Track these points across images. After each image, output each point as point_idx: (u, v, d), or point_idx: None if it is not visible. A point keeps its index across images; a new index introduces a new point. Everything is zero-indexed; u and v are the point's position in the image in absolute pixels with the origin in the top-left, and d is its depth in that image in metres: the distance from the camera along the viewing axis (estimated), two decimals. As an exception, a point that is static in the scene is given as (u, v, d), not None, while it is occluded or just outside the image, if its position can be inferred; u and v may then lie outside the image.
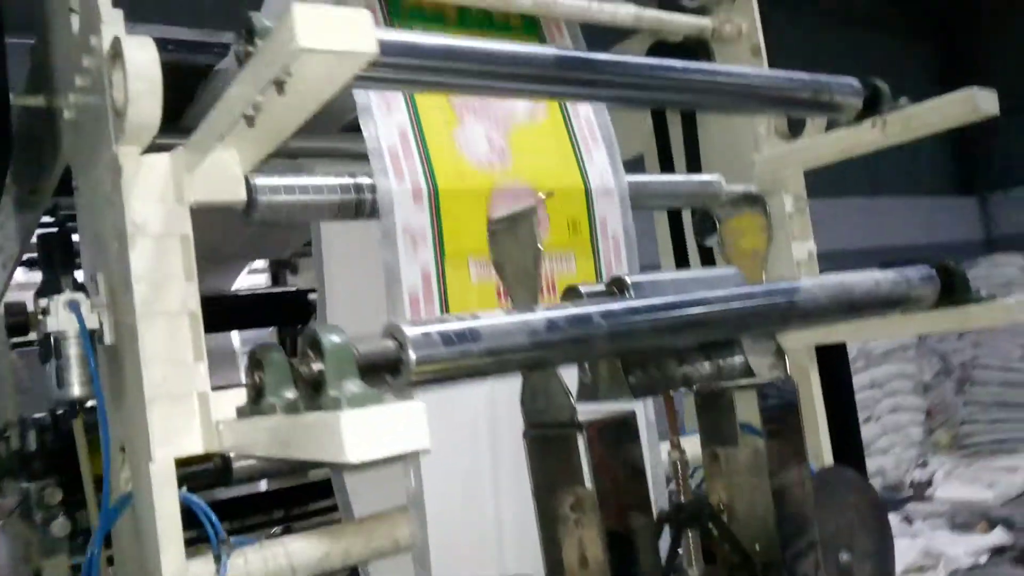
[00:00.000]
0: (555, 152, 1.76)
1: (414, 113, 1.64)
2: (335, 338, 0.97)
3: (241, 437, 1.22)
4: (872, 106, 1.83)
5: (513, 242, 1.31)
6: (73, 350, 1.41)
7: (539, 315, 1.13)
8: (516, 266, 1.30)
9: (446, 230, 1.56)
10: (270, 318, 4.33)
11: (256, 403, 1.16)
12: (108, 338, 1.40)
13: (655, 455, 1.78)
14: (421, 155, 1.60)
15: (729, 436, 1.60)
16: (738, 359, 1.46)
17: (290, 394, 1.13)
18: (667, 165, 2.38)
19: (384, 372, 1.03)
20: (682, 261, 2.35)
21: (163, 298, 1.30)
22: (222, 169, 1.34)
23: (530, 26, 1.89)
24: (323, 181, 1.53)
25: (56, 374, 1.45)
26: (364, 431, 0.87)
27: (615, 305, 1.21)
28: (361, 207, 1.56)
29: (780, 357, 1.54)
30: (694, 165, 2.31)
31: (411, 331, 1.03)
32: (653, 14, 2.08)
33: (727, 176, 2.14)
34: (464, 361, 1.06)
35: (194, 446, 1.30)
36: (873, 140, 1.83)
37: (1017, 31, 13.74)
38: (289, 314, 4.28)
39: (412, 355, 1.02)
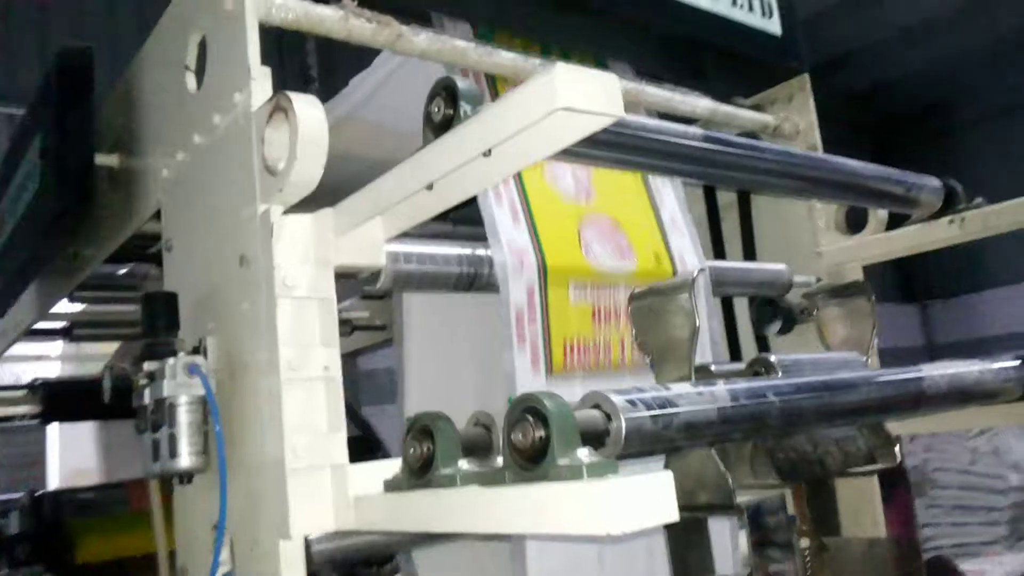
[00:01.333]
0: (632, 193, 1.81)
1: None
2: (558, 405, 0.93)
3: (392, 512, 1.15)
4: (948, 204, 1.90)
5: (659, 315, 1.29)
6: (185, 417, 1.33)
7: (721, 388, 1.11)
8: (664, 339, 1.29)
9: (547, 252, 1.59)
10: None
11: (420, 475, 1.10)
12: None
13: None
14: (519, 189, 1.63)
15: (834, 525, 1.57)
16: (861, 444, 1.45)
17: (465, 464, 1.08)
18: (718, 252, 2.41)
19: (588, 443, 0.99)
20: (734, 350, 2.36)
21: (305, 363, 1.24)
22: (366, 232, 1.30)
23: None
24: (444, 250, 1.51)
25: (162, 444, 1.36)
26: (619, 502, 0.83)
27: (783, 382, 1.20)
28: (478, 279, 1.54)
29: (891, 443, 1.54)
30: (749, 254, 2.35)
31: (618, 399, 1.00)
32: (726, 109, 2.15)
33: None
34: (665, 433, 1.02)
35: (326, 523, 1.22)
36: (950, 236, 1.90)
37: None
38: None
39: (622, 425, 0.98)
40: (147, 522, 3.22)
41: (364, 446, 4.05)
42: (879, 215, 2.13)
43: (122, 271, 3.10)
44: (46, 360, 4.77)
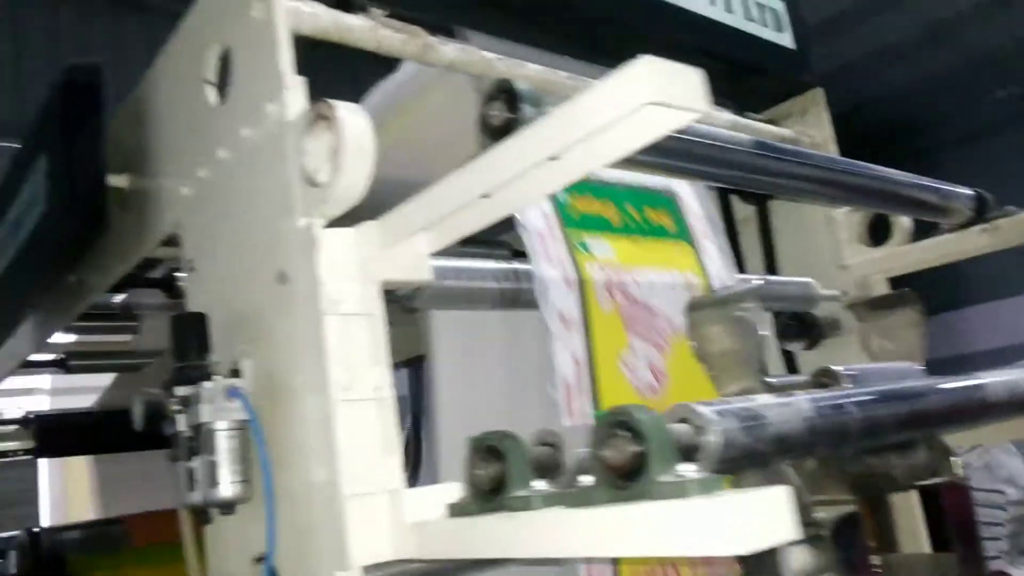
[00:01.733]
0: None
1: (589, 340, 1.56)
2: (653, 418, 0.87)
3: (461, 538, 1.08)
4: (979, 213, 1.88)
5: (721, 325, 1.24)
6: (225, 443, 1.25)
7: (802, 399, 1.06)
8: (726, 349, 1.23)
9: None
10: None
11: (490, 499, 1.04)
12: (258, 431, 1.26)
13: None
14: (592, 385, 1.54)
15: (892, 541, 1.52)
16: (923, 456, 1.41)
17: (541, 484, 1.02)
18: (739, 267, 2.38)
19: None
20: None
21: (355, 384, 1.18)
22: (411, 246, 1.24)
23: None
24: (483, 265, 1.46)
25: (200, 472, 1.28)
26: (735, 520, 0.77)
27: (860, 392, 1.15)
28: (519, 295, 1.48)
29: (948, 455, 1.49)
30: (771, 268, 2.32)
31: (707, 411, 0.94)
32: (745, 122, 2.12)
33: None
34: (756, 446, 0.97)
35: (384, 551, 1.15)
36: (983, 245, 1.87)
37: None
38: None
39: (719, 439, 0.93)
40: (151, 557, 3.11)
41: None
42: (904, 226, 2.10)
43: (117, 299, 3.01)
44: (37, 393, 4.63)
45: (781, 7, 2.29)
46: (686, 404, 0.96)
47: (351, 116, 1.16)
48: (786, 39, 2.27)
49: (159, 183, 1.69)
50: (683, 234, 1.81)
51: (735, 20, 2.20)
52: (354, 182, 1.17)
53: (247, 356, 1.34)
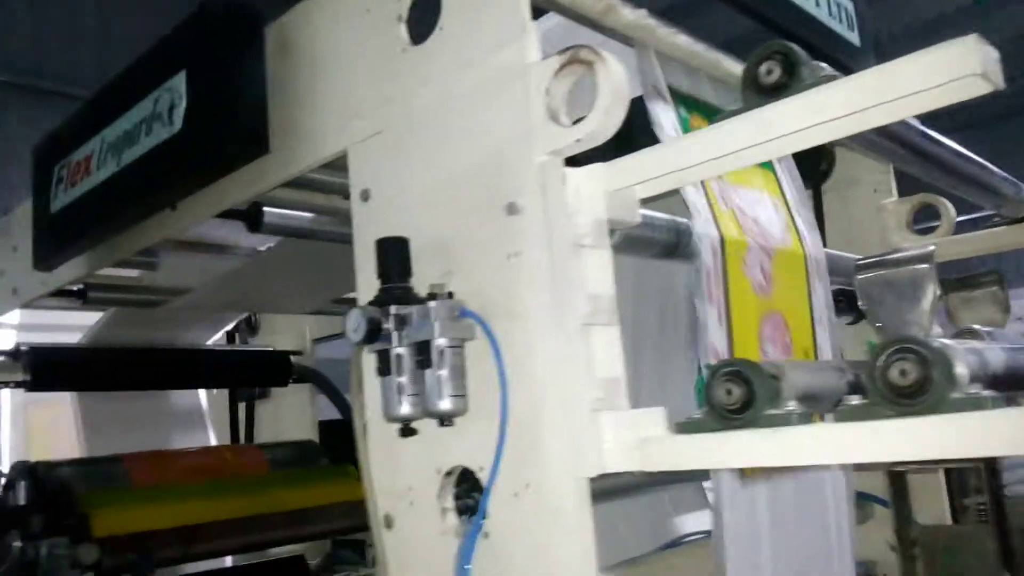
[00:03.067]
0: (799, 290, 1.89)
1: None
2: (942, 343, 1.02)
3: (700, 451, 1.20)
4: (1035, 209, 2.11)
5: (894, 286, 1.40)
6: (450, 359, 1.33)
7: (991, 345, 1.23)
8: (899, 308, 1.39)
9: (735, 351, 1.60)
10: (253, 377, 4.07)
11: (731, 417, 1.17)
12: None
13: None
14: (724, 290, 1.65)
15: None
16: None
17: (792, 405, 1.16)
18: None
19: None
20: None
21: (584, 310, 1.27)
22: (630, 190, 1.35)
23: None
24: (651, 213, 1.57)
25: (428, 385, 1.35)
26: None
27: (1016, 348, 1.32)
28: (679, 246, 1.61)
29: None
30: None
31: (947, 343, 1.09)
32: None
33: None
34: (984, 378, 1.12)
35: (612, 464, 1.25)
36: (1025, 240, 2.11)
37: None
38: (270, 375, 4.05)
39: (963, 370, 1.08)
40: (162, 495, 3.09)
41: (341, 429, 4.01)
42: (951, 215, 2.33)
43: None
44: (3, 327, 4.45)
45: (851, 7, 2.47)
46: (916, 337, 1.11)
47: (614, 64, 1.26)
48: (854, 37, 2.45)
49: (316, 115, 1.72)
50: (767, 165, 1.96)
51: (809, 6, 2.36)
52: (608, 125, 1.26)
53: (447, 280, 1.41)
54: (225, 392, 4.20)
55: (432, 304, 1.34)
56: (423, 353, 1.33)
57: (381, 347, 1.39)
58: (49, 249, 2.38)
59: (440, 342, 1.33)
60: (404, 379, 1.37)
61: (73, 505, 2.85)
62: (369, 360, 1.48)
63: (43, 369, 3.37)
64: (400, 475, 1.49)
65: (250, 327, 4.51)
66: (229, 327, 4.14)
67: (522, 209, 1.33)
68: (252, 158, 1.73)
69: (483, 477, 1.35)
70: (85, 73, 9.03)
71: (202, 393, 4.17)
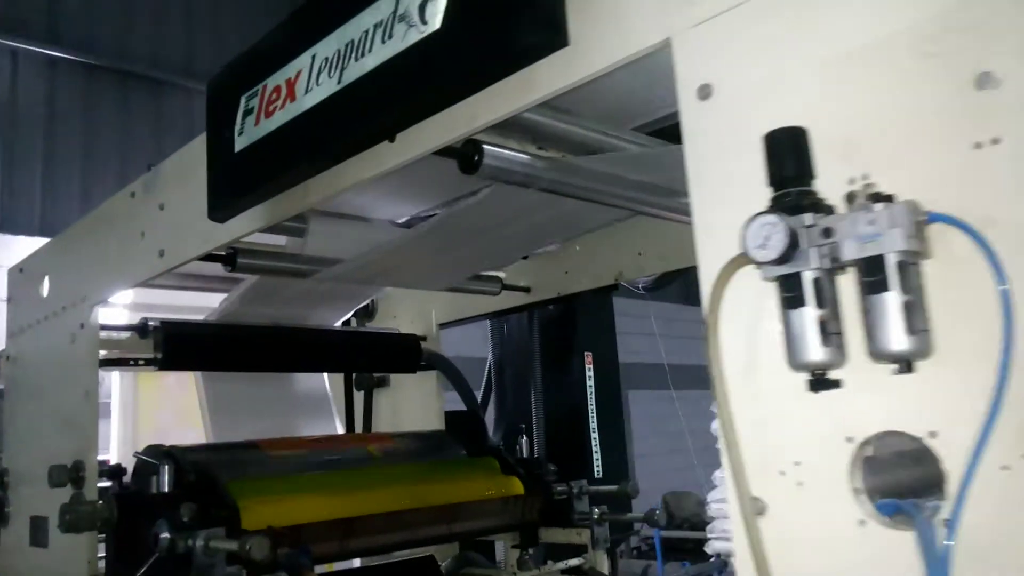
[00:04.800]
0: None
1: None
2: None
3: None
4: None
5: None
6: (913, 282, 0.98)
7: None
8: None
9: None
10: (384, 361, 3.77)
11: None
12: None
13: None
14: None
15: None
16: None
17: None
18: None
19: None
20: None
21: None
22: None
23: None
24: None
25: (829, 324, 1.01)
26: None
27: None
28: None
29: None
30: None
31: None
32: None
33: None
34: None
35: None
36: None
37: None
38: (401, 359, 3.74)
39: None
40: (312, 485, 2.77)
41: (472, 420, 3.69)
42: None
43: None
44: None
45: None
46: None
47: None
48: None
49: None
50: None
51: None
52: None
53: (870, 180, 1.06)
54: (339, 379, 3.88)
55: (883, 208, 0.99)
56: (876, 272, 0.98)
57: (790, 270, 1.04)
58: (229, 195, 2.06)
59: (899, 258, 0.97)
60: (825, 311, 1.02)
61: (222, 494, 2.54)
62: (742, 293, 1.13)
63: (175, 346, 3.09)
64: (783, 445, 1.14)
65: (367, 311, 4.21)
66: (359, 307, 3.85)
67: (1001, 80, 0.98)
68: (548, 51, 1.39)
69: (937, 446, 0.99)
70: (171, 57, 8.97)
71: (326, 378, 3.86)
